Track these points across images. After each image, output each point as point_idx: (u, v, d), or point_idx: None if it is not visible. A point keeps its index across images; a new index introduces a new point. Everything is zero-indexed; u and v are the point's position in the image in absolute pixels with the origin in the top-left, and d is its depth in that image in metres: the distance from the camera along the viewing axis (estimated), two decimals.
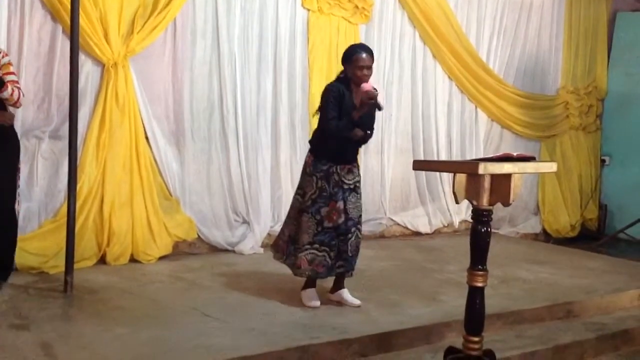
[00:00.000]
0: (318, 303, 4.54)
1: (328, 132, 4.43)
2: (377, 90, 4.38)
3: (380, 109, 4.50)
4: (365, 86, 4.39)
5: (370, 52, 4.49)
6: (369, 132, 4.51)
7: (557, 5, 8.24)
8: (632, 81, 8.45)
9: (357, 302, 4.60)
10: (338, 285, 4.65)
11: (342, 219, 4.45)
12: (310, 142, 4.66)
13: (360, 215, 4.59)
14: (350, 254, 4.50)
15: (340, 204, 4.45)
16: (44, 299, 4.43)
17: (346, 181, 4.51)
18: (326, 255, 4.44)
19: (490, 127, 7.97)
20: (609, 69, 8.67)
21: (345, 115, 4.39)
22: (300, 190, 4.57)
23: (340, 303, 4.60)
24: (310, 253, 4.43)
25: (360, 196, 4.61)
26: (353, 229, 4.50)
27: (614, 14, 8.70)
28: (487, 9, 7.70)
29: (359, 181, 4.61)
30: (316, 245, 4.43)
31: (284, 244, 4.62)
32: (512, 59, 7.98)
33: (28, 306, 4.26)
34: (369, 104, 4.35)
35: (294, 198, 4.63)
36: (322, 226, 4.43)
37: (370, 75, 4.46)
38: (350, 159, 4.56)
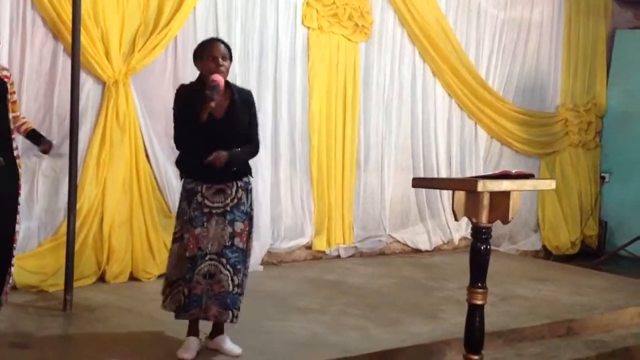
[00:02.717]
0: (188, 356, 3.79)
1: (177, 147, 3.93)
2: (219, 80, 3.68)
3: (212, 98, 3.62)
4: (215, 77, 3.69)
5: (223, 42, 3.87)
6: (238, 149, 3.79)
7: (556, 23, 8.28)
8: (632, 98, 8.47)
9: (236, 351, 3.89)
10: (216, 330, 3.96)
11: (196, 249, 3.74)
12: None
13: (226, 247, 3.76)
14: (199, 293, 3.72)
15: (198, 230, 3.75)
16: (43, 317, 4.42)
17: (211, 204, 3.78)
18: (180, 291, 3.76)
19: (490, 144, 7.99)
20: (608, 87, 8.70)
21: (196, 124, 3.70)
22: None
23: (218, 352, 3.92)
24: (178, 291, 3.80)
25: (235, 224, 3.79)
26: (202, 264, 3.72)
27: (613, 31, 8.75)
28: (486, 27, 7.74)
29: (237, 206, 3.81)
30: (180, 280, 3.79)
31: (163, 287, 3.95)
32: (512, 77, 8.01)
33: (27, 325, 4.25)
34: (210, 97, 3.62)
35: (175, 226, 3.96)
36: (185, 257, 3.75)
37: (227, 69, 3.82)
38: (219, 178, 3.80)
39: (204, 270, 3.73)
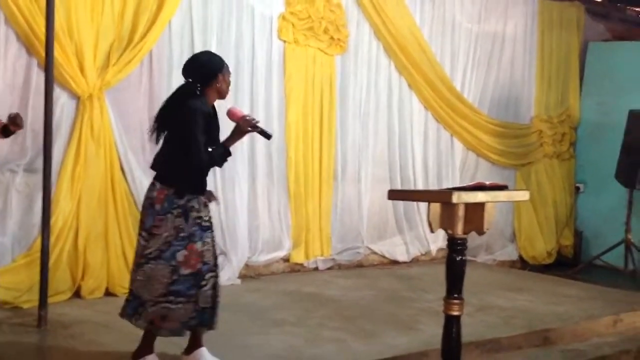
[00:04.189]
0: None
1: (196, 164, 3.77)
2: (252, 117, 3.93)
3: (269, 137, 3.96)
4: (236, 110, 3.94)
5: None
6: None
7: (530, 36, 8.39)
8: (604, 110, 8.59)
9: None
10: (195, 344, 3.94)
11: (200, 264, 3.78)
12: (160, 172, 3.87)
13: (217, 258, 3.94)
14: (202, 306, 3.79)
15: (198, 246, 3.78)
16: (17, 334, 4.37)
17: (204, 217, 3.84)
18: (181, 308, 3.74)
19: (466, 156, 8.04)
20: (581, 98, 8.81)
21: (211, 140, 3.82)
22: (146, 233, 3.78)
23: None
24: (163, 307, 3.73)
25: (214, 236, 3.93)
26: (207, 276, 3.81)
27: (585, 43, 8.87)
28: (460, 40, 7.82)
29: (211, 217, 3.95)
30: (171, 297, 3.72)
31: (126, 301, 3.88)
32: (486, 89, 8.09)
33: (1, 341, 4.20)
34: (247, 131, 3.86)
35: (138, 243, 3.84)
36: (179, 274, 3.72)
37: None
38: (205, 189, 3.92)
39: (212, 283, 3.81)
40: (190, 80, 3.88)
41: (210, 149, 3.79)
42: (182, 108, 3.77)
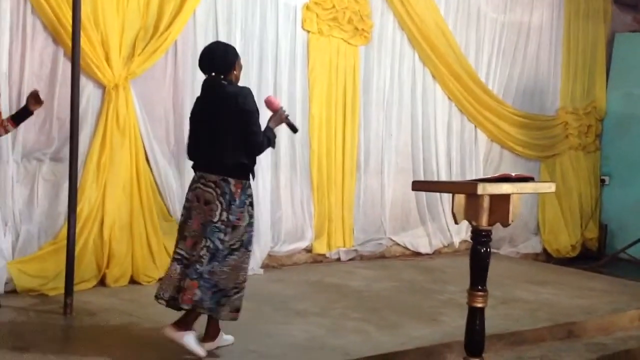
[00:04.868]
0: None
1: (259, 145, 3.89)
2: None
3: (296, 131, 4.22)
4: (274, 100, 4.18)
5: None
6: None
7: (556, 27, 8.30)
8: (631, 101, 8.50)
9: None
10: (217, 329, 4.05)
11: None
12: (230, 168, 3.84)
13: None
14: None
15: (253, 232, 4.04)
16: (43, 321, 4.42)
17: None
18: (242, 296, 3.96)
19: (490, 147, 8.00)
20: (607, 90, 8.71)
21: None
22: (226, 227, 3.82)
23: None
24: (242, 293, 3.95)
25: None
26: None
27: (612, 34, 8.77)
28: (486, 31, 7.76)
29: None
30: (245, 283, 3.97)
31: (207, 296, 3.80)
32: (511, 80, 8.03)
33: (28, 328, 4.26)
34: (281, 121, 4.07)
35: (212, 239, 3.80)
36: (246, 263, 3.97)
37: None
38: None
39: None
40: (213, 74, 3.93)
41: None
42: (225, 95, 3.85)
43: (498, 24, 7.83)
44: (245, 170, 3.88)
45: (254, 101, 3.89)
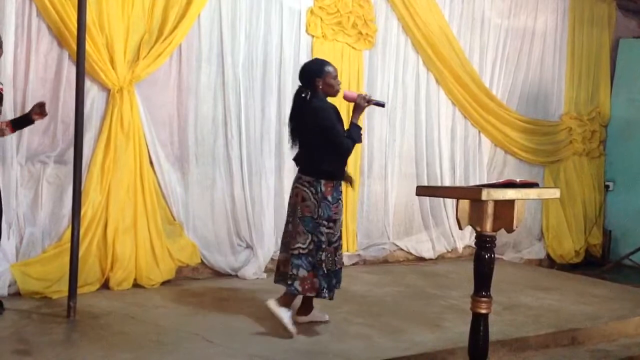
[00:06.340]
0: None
1: (345, 150, 4.41)
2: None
3: (383, 105, 4.67)
4: (350, 93, 4.66)
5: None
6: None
7: (560, 32, 8.30)
8: (635, 107, 8.49)
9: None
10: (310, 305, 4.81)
11: None
12: (319, 170, 4.42)
13: None
14: None
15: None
16: (47, 324, 4.43)
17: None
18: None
19: (494, 153, 7.99)
20: (612, 95, 8.71)
21: (342, 126, 4.51)
22: (329, 222, 4.43)
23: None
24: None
25: None
26: None
27: (616, 40, 8.76)
28: (490, 36, 7.76)
29: None
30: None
31: (320, 286, 4.48)
32: (515, 85, 8.03)
33: (31, 331, 4.26)
34: (365, 106, 4.52)
35: (317, 235, 4.40)
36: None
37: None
38: None
39: None
40: (301, 85, 4.52)
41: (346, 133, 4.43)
42: (308, 110, 4.41)
43: (502, 29, 7.83)
44: (333, 172, 4.44)
45: (332, 115, 4.41)
